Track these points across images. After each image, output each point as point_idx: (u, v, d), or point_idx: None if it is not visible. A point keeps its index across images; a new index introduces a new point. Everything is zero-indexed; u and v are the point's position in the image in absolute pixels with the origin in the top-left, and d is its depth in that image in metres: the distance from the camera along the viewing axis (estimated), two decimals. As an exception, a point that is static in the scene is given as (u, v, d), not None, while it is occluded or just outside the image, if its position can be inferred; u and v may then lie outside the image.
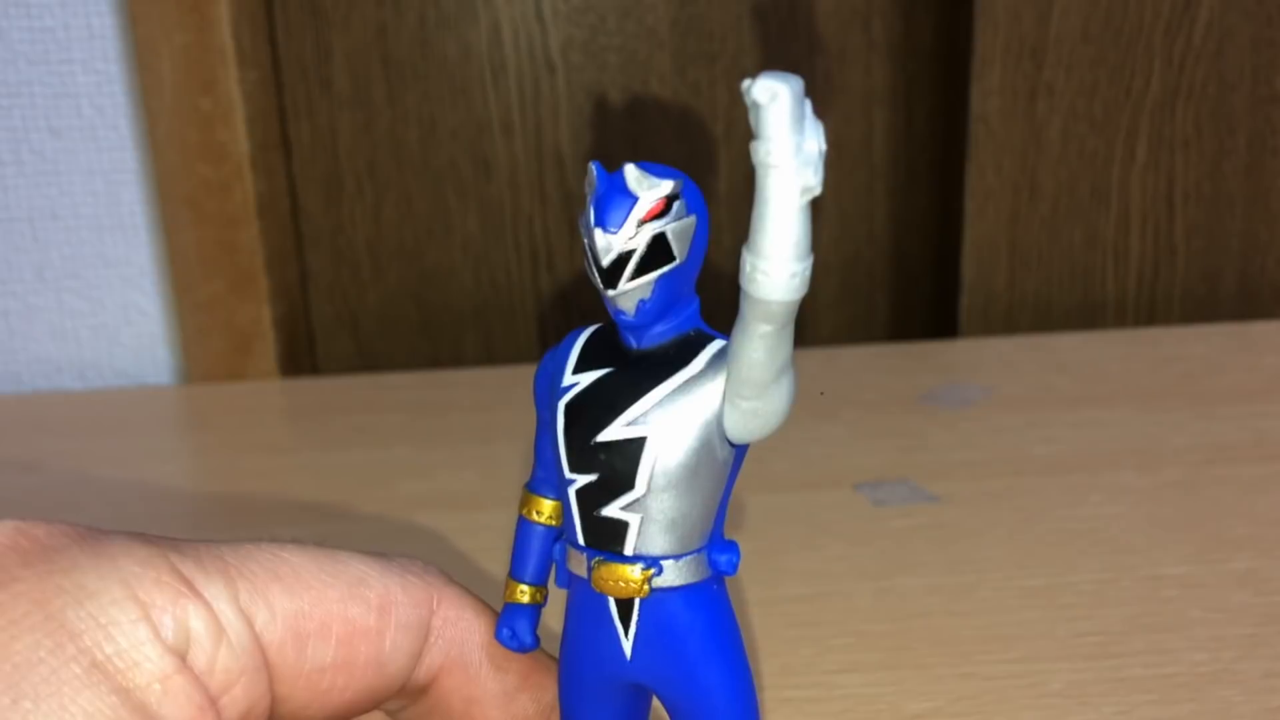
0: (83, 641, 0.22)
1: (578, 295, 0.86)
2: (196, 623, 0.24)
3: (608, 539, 0.27)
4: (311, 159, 0.82)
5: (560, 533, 0.28)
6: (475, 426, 0.64)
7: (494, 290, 0.85)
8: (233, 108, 0.72)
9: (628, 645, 0.27)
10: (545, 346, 0.29)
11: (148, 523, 0.55)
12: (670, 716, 0.29)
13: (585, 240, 0.26)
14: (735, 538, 0.30)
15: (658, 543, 0.26)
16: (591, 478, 0.26)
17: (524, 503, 0.29)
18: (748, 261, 0.24)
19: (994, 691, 0.40)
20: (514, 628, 0.28)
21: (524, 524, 0.29)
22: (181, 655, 0.23)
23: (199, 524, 0.55)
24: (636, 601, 0.27)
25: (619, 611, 0.27)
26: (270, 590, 0.25)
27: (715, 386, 0.26)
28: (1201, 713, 0.39)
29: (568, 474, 0.27)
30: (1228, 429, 0.60)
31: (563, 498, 0.27)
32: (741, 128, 0.83)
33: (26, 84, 0.72)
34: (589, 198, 0.25)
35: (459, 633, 0.28)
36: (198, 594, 0.24)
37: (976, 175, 0.78)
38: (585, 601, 0.27)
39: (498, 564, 0.50)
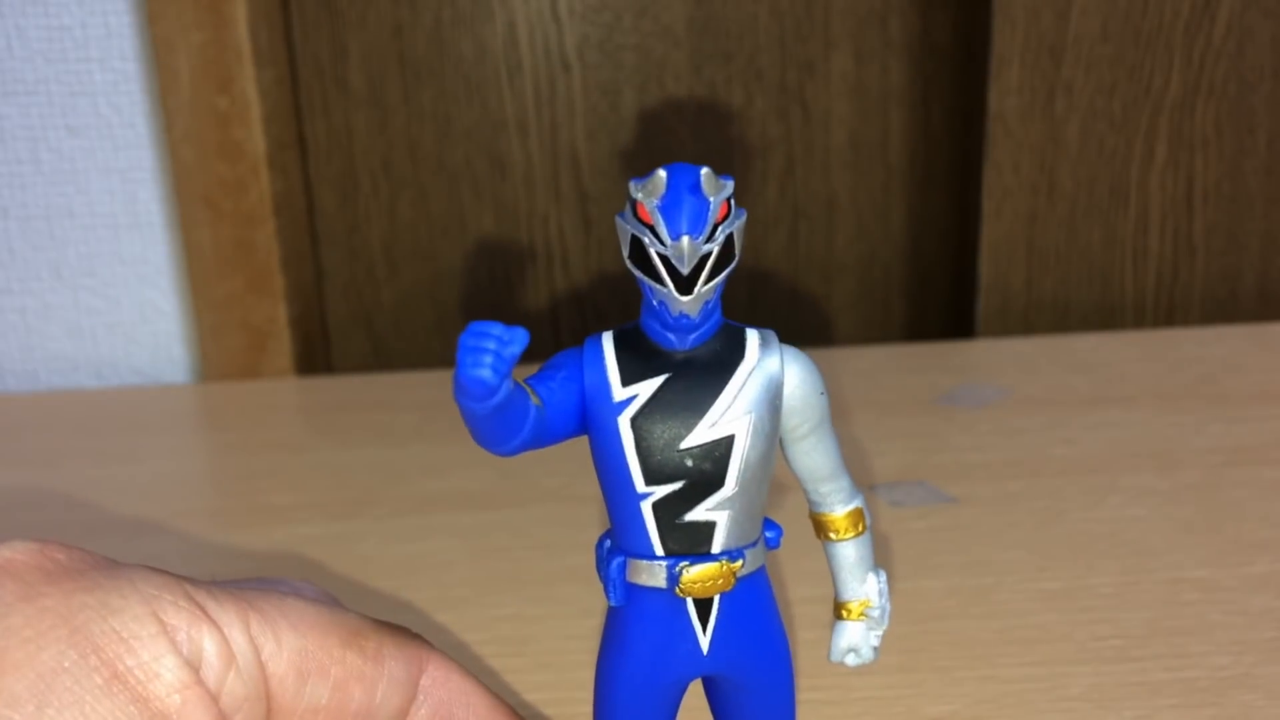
0: (105, 654, 0.23)
1: (592, 294, 0.86)
2: (209, 646, 0.24)
3: (694, 542, 0.27)
4: (327, 158, 0.82)
5: (609, 541, 0.28)
6: (490, 426, 0.64)
7: (508, 289, 0.85)
8: (249, 106, 0.72)
9: (705, 641, 0.28)
10: (559, 346, 0.29)
11: (164, 521, 0.55)
12: (734, 698, 0.29)
13: (653, 248, 0.25)
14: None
15: (741, 535, 0.27)
16: (675, 486, 0.26)
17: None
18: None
19: (1013, 695, 0.40)
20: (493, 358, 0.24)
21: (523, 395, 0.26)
22: (195, 672, 0.24)
23: (214, 522, 0.55)
24: (717, 596, 0.27)
25: (698, 610, 0.27)
26: (278, 625, 0.26)
27: (773, 369, 0.27)
28: (1222, 717, 0.38)
29: (642, 488, 0.26)
30: (1248, 430, 0.60)
31: (625, 513, 0.27)
32: (757, 126, 0.83)
33: (44, 82, 0.73)
34: (652, 203, 0.25)
35: (448, 693, 0.28)
36: (211, 619, 0.25)
37: (994, 175, 0.78)
38: (655, 610, 0.27)
39: (512, 563, 0.50)
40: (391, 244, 0.84)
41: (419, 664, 0.28)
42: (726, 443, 0.26)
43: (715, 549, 0.27)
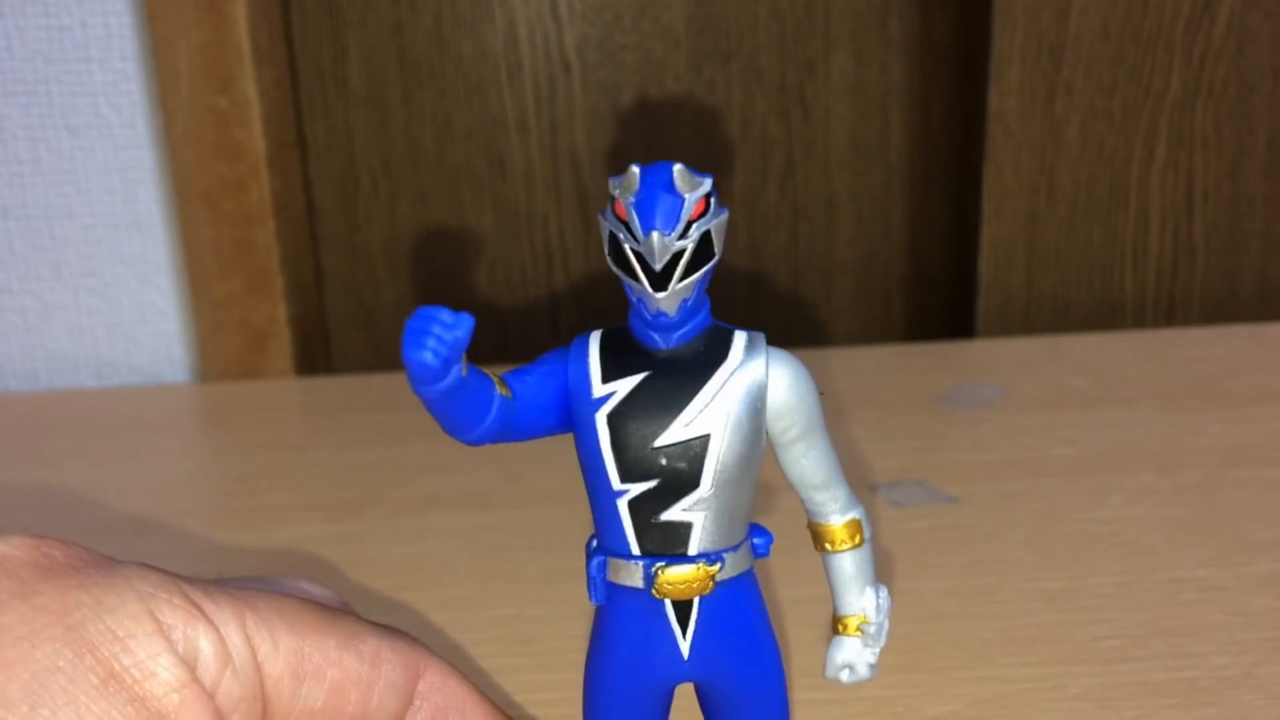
0: (100, 653, 0.23)
1: (592, 294, 0.86)
2: (205, 645, 0.24)
3: (670, 543, 0.27)
4: (327, 158, 0.82)
5: (595, 541, 0.28)
6: (490, 426, 0.64)
7: (508, 289, 0.85)
8: (249, 106, 0.72)
9: (685, 645, 0.27)
10: (559, 345, 0.29)
11: (164, 521, 0.55)
12: (717, 705, 0.29)
13: (627, 244, 0.25)
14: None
15: (719, 538, 0.27)
16: (649, 485, 0.26)
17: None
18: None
19: (1014, 695, 0.40)
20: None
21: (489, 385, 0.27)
22: (191, 671, 0.24)
23: (214, 521, 0.55)
24: (696, 599, 0.27)
25: (676, 613, 0.27)
26: (275, 625, 0.25)
27: (757, 371, 0.26)
28: (1222, 717, 0.38)
29: (618, 485, 0.26)
30: (1248, 431, 0.60)
31: (603, 511, 0.27)
32: (757, 127, 0.83)
33: (44, 82, 0.73)
34: (627, 199, 0.25)
35: (444, 698, 0.28)
36: (208, 618, 0.24)
37: (994, 175, 0.78)
38: (634, 611, 0.27)
39: (513, 562, 0.50)
40: (391, 244, 0.84)
41: (416, 668, 0.28)
42: (701, 442, 0.26)
43: (692, 550, 0.27)
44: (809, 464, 0.28)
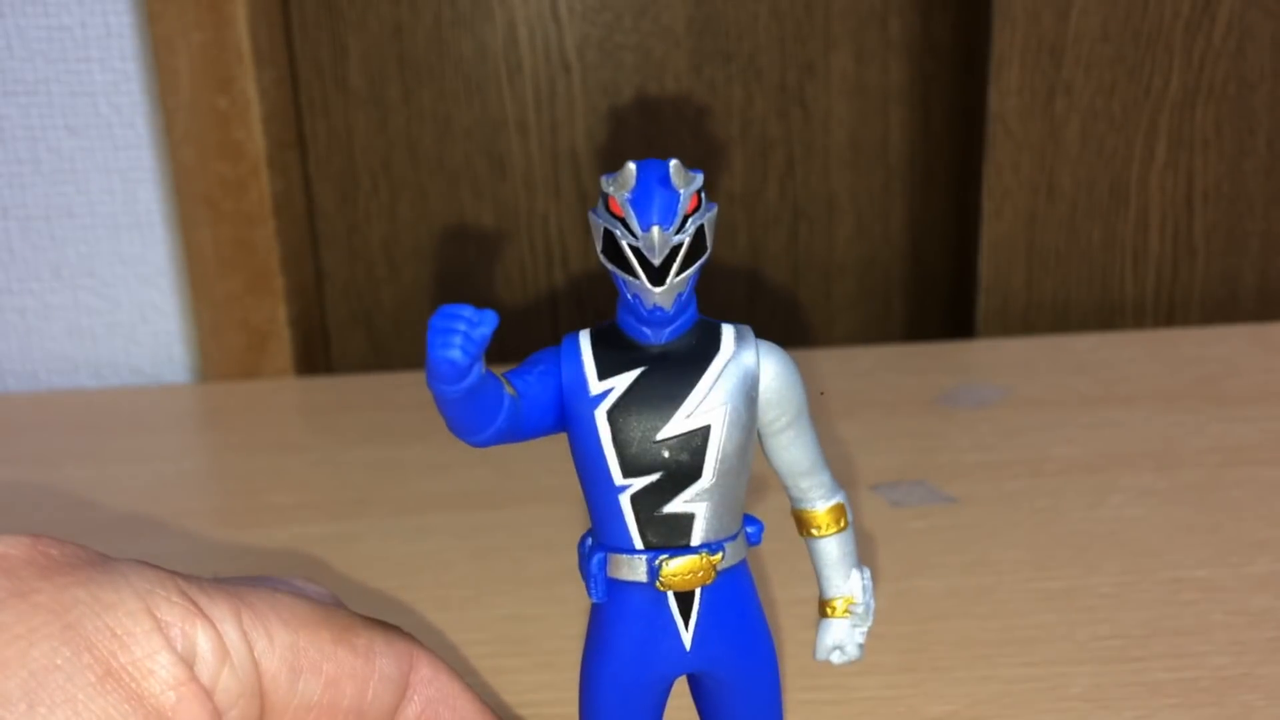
0: (98, 650, 0.23)
1: (592, 293, 0.86)
2: (204, 641, 0.24)
3: (674, 535, 0.27)
4: (327, 158, 0.82)
5: (590, 539, 0.28)
6: (490, 426, 0.64)
7: (509, 289, 0.85)
8: (249, 106, 0.72)
9: (688, 636, 0.28)
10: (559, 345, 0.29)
11: (164, 521, 0.55)
12: (714, 693, 0.29)
13: (624, 240, 0.25)
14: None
15: (719, 527, 0.27)
16: (652, 478, 0.26)
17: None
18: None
19: (1013, 695, 0.40)
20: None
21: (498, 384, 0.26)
22: (189, 668, 0.24)
23: (214, 522, 0.55)
24: (698, 590, 0.27)
25: (679, 604, 0.27)
26: (270, 621, 0.26)
27: (749, 361, 0.27)
28: (1223, 717, 0.38)
29: (620, 480, 0.26)
30: (1247, 430, 0.60)
31: (604, 508, 0.27)
32: (757, 127, 0.83)
33: (44, 82, 0.73)
34: (622, 195, 0.25)
35: (435, 691, 0.28)
36: (205, 615, 0.25)
37: (994, 175, 0.78)
38: (636, 605, 0.27)
39: (512, 562, 0.50)
40: (391, 244, 0.84)
41: (408, 661, 0.28)
42: (703, 433, 0.26)
43: (694, 541, 0.27)
44: (797, 451, 0.29)
